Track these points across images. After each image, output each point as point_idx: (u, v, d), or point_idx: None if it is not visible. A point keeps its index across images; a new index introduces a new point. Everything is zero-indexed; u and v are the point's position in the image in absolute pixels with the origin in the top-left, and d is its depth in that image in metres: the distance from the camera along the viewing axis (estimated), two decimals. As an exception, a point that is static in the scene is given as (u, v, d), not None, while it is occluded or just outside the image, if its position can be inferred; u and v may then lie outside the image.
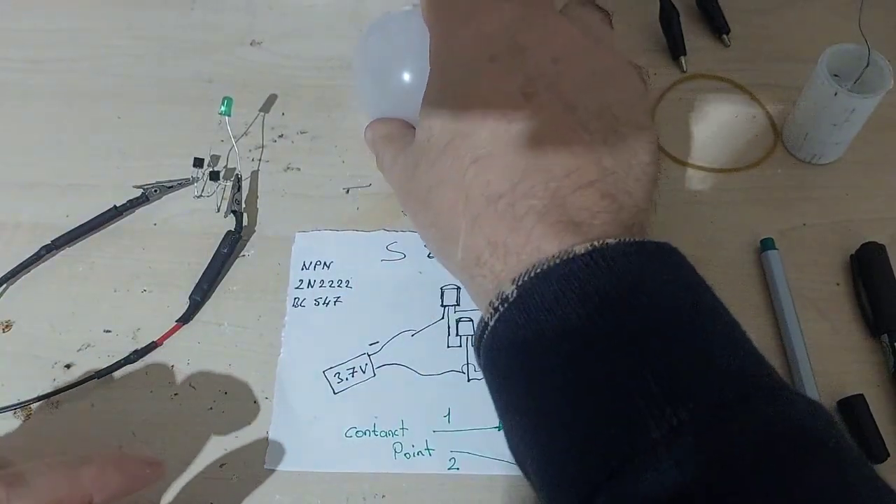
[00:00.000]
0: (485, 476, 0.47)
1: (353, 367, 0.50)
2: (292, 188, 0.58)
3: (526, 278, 0.34)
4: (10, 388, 0.50)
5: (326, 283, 0.53)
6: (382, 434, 0.48)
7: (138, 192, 0.56)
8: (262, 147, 0.60)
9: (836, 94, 0.53)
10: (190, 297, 0.52)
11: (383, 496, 0.47)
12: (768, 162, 0.59)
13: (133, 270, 0.54)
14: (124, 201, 0.56)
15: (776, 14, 0.68)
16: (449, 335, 0.51)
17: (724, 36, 0.65)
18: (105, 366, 0.50)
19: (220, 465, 0.47)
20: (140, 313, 0.53)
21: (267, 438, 0.48)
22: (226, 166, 0.59)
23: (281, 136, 0.61)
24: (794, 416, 0.30)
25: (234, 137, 0.59)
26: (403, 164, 0.45)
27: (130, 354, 0.50)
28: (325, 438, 0.48)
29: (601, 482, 0.29)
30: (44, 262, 0.54)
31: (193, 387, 0.50)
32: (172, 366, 0.51)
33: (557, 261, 0.34)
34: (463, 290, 0.53)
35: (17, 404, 0.49)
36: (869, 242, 0.54)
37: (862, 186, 0.58)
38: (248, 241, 0.56)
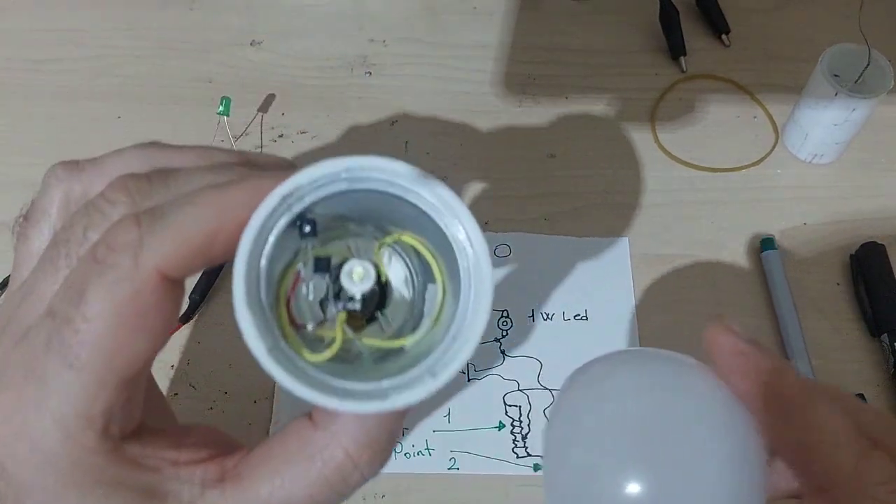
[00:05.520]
0: (485, 476, 0.47)
1: (353, 367, 0.50)
2: (292, 188, 0.58)
3: None
4: (10, 388, 0.50)
5: (326, 283, 0.53)
6: (382, 434, 0.48)
7: (138, 192, 0.56)
8: (262, 147, 0.60)
9: (836, 94, 0.53)
10: (190, 297, 0.52)
11: (383, 496, 0.46)
12: (768, 162, 0.59)
13: (133, 270, 0.54)
14: (124, 201, 0.56)
15: (776, 14, 0.68)
16: (449, 335, 0.51)
17: (724, 36, 0.65)
18: (105, 366, 0.50)
19: (220, 465, 0.47)
20: (140, 313, 0.52)
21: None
22: (226, 166, 0.59)
23: (281, 136, 0.61)
24: None
25: (234, 137, 0.59)
26: None
27: (130, 354, 0.50)
28: (325, 438, 0.48)
29: None
30: (44, 262, 0.54)
31: (193, 387, 0.50)
32: (173, 366, 0.51)
33: None
34: (463, 290, 0.53)
35: (17, 404, 0.49)
36: (869, 242, 0.53)
37: (862, 186, 0.58)
38: (248, 241, 0.56)
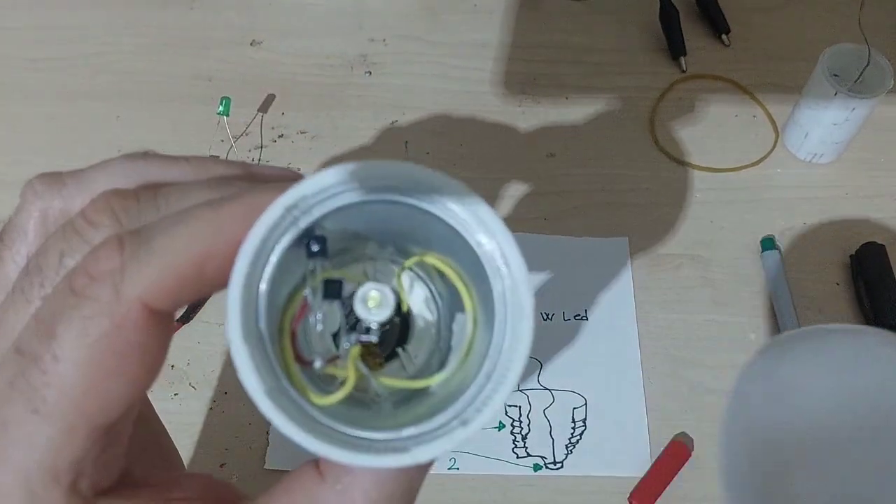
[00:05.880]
0: (485, 476, 0.47)
1: (353, 367, 0.50)
2: (292, 188, 0.58)
3: None
4: (10, 387, 0.50)
5: (326, 283, 0.53)
6: (382, 434, 0.48)
7: (138, 192, 0.57)
8: (262, 147, 0.60)
9: (836, 94, 0.53)
10: (190, 297, 0.52)
11: (383, 496, 0.46)
12: (768, 162, 0.59)
13: (133, 270, 0.54)
14: (124, 201, 0.56)
15: (776, 14, 0.68)
16: (449, 335, 0.51)
17: (724, 36, 0.65)
18: (105, 365, 0.50)
19: (220, 465, 0.47)
20: (140, 313, 0.52)
21: (267, 438, 0.48)
22: (226, 166, 0.59)
23: (281, 136, 0.61)
24: None
25: (234, 137, 0.59)
26: None
27: (130, 354, 0.50)
28: (325, 438, 0.48)
29: None
30: (44, 261, 0.54)
31: (193, 387, 0.50)
32: (172, 366, 0.51)
33: None
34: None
35: (17, 404, 0.49)
36: (869, 242, 0.53)
37: (862, 186, 0.58)
38: (247, 240, 0.56)
